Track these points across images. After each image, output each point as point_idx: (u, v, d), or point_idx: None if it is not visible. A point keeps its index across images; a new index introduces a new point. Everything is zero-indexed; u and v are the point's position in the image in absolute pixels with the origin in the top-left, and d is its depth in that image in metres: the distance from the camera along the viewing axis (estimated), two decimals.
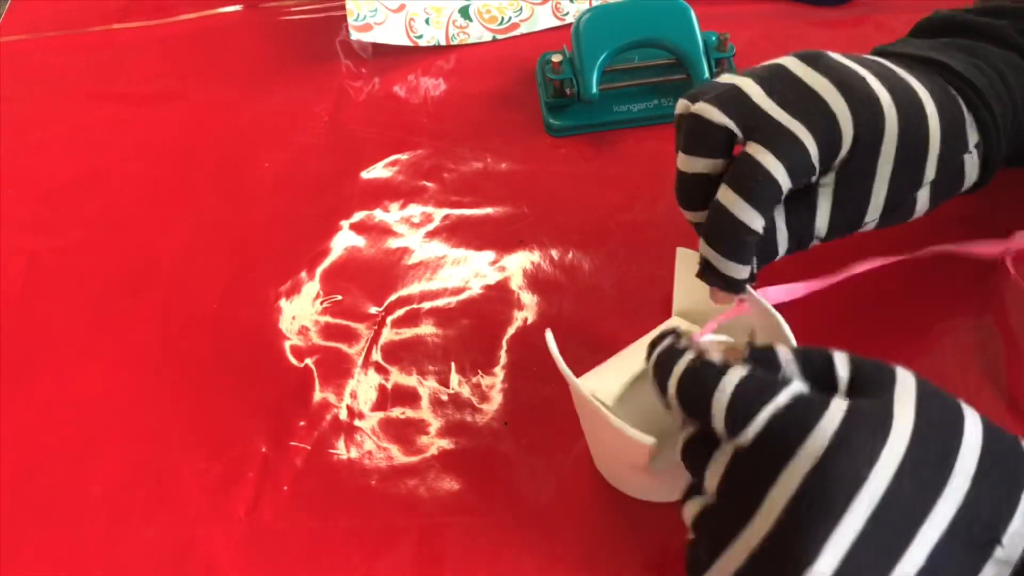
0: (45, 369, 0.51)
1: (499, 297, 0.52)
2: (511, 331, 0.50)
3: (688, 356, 0.34)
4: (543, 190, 0.57)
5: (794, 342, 0.38)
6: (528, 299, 0.52)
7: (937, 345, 0.47)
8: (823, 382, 0.32)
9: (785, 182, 0.37)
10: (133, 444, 0.47)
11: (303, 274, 0.54)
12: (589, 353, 0.45)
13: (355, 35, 0.64)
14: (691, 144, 0.40)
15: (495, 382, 0.48)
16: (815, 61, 0.39)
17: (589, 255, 0.53)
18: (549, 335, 0.40)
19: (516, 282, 0.53)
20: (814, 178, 0.39)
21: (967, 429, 0.31)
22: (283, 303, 0.53)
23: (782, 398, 0.31)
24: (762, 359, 0.33)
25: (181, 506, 0.45)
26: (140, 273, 0.55)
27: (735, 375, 0.32)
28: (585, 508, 0.43)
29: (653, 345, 0.36)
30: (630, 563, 0.40)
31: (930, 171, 0.40)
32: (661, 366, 0.35)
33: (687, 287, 0.44)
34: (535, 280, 0.53)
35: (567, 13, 0.68)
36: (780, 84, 0.39)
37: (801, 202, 0.40)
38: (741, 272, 0.39)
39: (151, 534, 0.44)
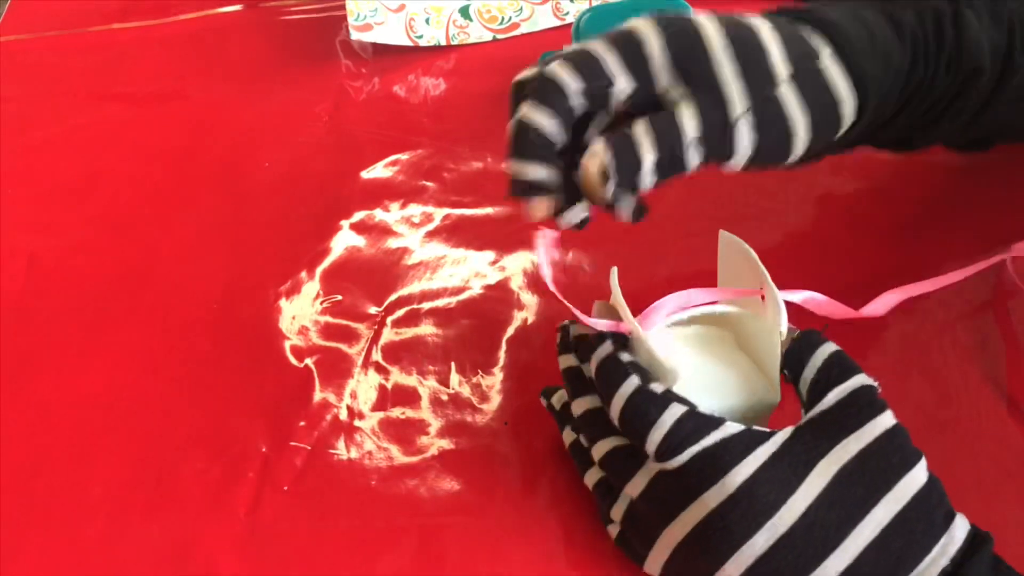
0: (45, 369, 0.51)
1: (499, 297, 0.52)
2: (511, 331, 0.50)
3: (633, 382, 0.37)
4: None
5: (784, 330, 0.39)
6: (528, 299, 0.52)
7: (937, 346, 0.47)
8: (817, 390, 0.37)
9: (575, 83, 0.37)
10: (133, 444, 0.47)
11: (303, 274, 0.54)
12: None
13: (355, 35, 0.64)
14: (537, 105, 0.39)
15: (495, 382, 0.48)
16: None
17: (589, 255, 0.53)
18: (614, 274, 0.40)
19: (516, 282, 0.53)
20: (623, 89, 0.37)
21: (900, 485, 0.34)
22: (283, 303, 0.53)
23: (711, 439, 0.35)
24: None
25: (181, 506, 0.45)
26: (140, 273, 0.55)
27: (675, 412, 0.35)
28: (585, 508, 0.43)
29: (587, 345, 0.40)
30: (631, 563, 0.40)
31: (781, 66, 0.37)
32: (604, 378, 0.38)
33: (729, 271, 0.43)
34: (535, 280, 0.53)
35: (567, 13, 0.68)
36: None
37: (660, 113, 0.38)
38: (534, 172, 0.38)
39: (151, 534, 0.44)
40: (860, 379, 0.36)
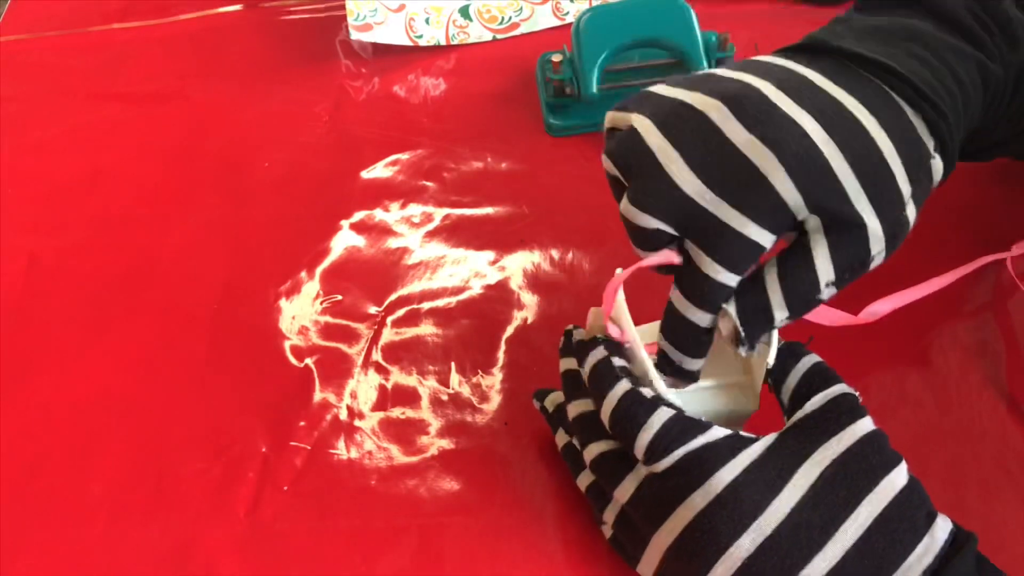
0: (45, 369, 0.51)
1: (499, 297, 0.52)
2: (511, 331, 0.50)
3: (623, 385, 0.37)
4: (543, 190, 0.57)
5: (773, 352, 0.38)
6: (528, 299, 0.52)
7: (937, 346, 0.47)
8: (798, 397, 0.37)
9: (731, 280, 0.36)
10: (133, 444, 0.47)
11: (303, 274, 0.54)
12: None
13: (355, 35, 0.64)
14: (637, 242, 0.38)
15: (495, 382, 0.48)
16: (740, 108, 0.35)
17: (589, 255, 0.53)
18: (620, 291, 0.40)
19: (516, 282, 0.53)
20: (771, 247, 0.36)
21: (881, 486, 0.34)
22: (283, 303, 0.53)
23: (697, 442, 0.35)
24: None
25: (181, 506, 0.45)
26: (140, 273, 0.55)
27: (663, 415, 0.36)
28: (584, 508, 0.43)
29: (583, 345, 0.40)
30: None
31: (905, 187, 0.36)
32: (596, 381, 0.38)
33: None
34: (535, 280, 0.53)
35: (567, 13, 0.68)
36: (708, 152, 0.36)
37: (793, 255, 0.37)
38: (694, 365, 0.39)
39: (151, 534, 0.44)
40: (841, 387, 0.37)
